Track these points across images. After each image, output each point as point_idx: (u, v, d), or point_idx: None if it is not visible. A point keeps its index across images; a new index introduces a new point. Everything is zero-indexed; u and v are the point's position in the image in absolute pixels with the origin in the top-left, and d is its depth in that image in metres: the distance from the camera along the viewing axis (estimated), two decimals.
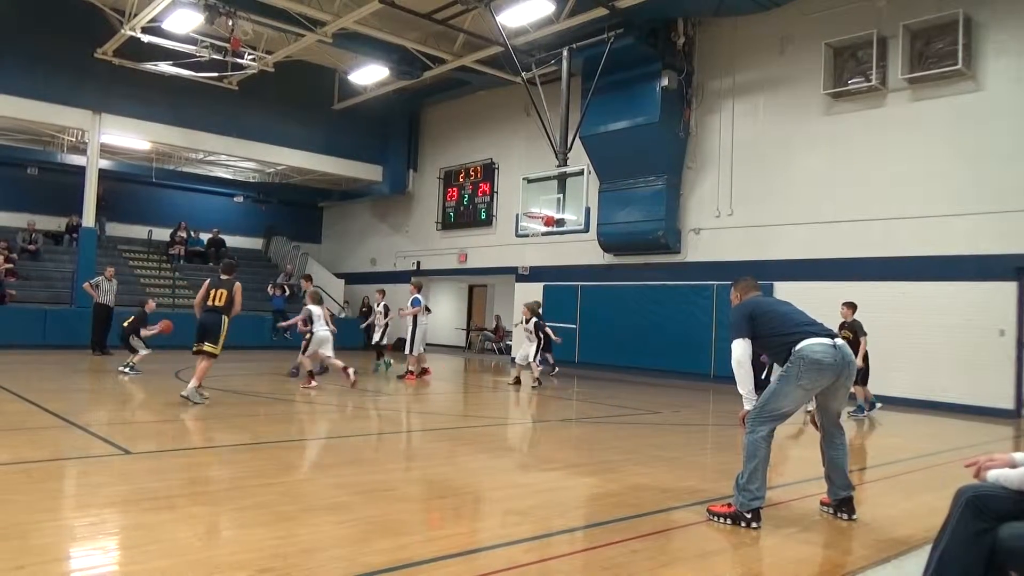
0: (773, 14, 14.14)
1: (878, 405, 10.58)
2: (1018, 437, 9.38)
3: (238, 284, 8.89)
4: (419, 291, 12.99)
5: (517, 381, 12.76)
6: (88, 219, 17.76)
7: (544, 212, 13.86)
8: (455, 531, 4.21)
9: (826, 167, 13.67)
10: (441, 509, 4.75)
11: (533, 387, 12.53)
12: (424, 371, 13.03)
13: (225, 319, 8.73)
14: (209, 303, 8.80)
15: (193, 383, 8.56)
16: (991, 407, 11.28)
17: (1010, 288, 11.39)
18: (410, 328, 12.63)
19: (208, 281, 9.02)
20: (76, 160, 19.87)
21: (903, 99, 12.79)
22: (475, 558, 3.59)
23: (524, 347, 13.16)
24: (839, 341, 4.38)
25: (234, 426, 7.67)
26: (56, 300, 18.06)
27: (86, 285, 15.50)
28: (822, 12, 13.76)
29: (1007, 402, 11.27)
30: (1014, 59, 11.64)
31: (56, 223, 21.64)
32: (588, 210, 13.60)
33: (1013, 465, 2.76)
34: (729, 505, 4.38)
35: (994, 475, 2.74)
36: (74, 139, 19.01)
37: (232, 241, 24.89)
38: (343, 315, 22.89)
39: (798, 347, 4.30)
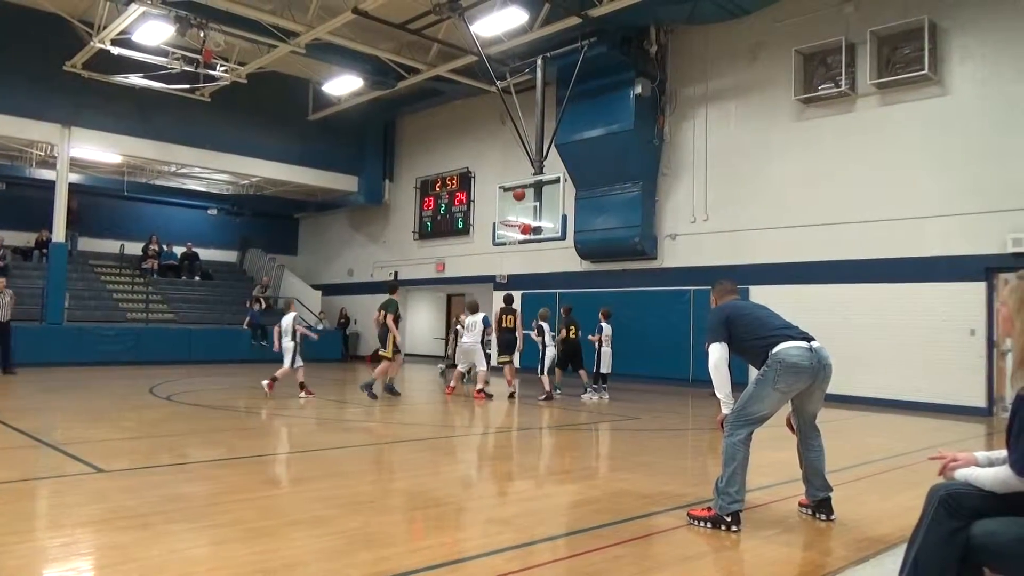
0: (744, 22, 14.32)
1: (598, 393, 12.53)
2: (991, 435, 9.53)
3: (518, 311, 12.75)
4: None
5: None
6: (58, 234, 17.48)
7: (521, 220, 13.89)
8: (437, 541, 4.18)
9: (799, 171, 13.85)
10: (423, 519, 4.72)
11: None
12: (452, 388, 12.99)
13: (517, 337, 12.54)
14: (504, 326, 12.51)
15: (520, 383, 12.31)
16: (964, 406, 11.46)
17: (979, 288, 11.59)
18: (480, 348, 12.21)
19: (499, 310, 12.84)
20: (45, 174, 19.57)
21: (872, 104, 13.02)
22: (458, 568, 3.57)
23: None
24: (815, 344, 4.41)
25: (209, 441, 7.57)
26: (26, 317, 17.72)
27: None
28: (792, 19, 13.97)
29: (979, 400, 11.46)
30: (979, 64, 11.90)
31: (25, 238, 21.29)
32: (565, 217, 13.64)
33: (977, 464, 2.80)
34: (709, 509, 4.40)
35: (962, 474, 2.77)
36: (43, 153, 18.73)
37: (206, 254, 24.62)
38: (320, 327, 22.75)
39: (775, 350, 4.33)
